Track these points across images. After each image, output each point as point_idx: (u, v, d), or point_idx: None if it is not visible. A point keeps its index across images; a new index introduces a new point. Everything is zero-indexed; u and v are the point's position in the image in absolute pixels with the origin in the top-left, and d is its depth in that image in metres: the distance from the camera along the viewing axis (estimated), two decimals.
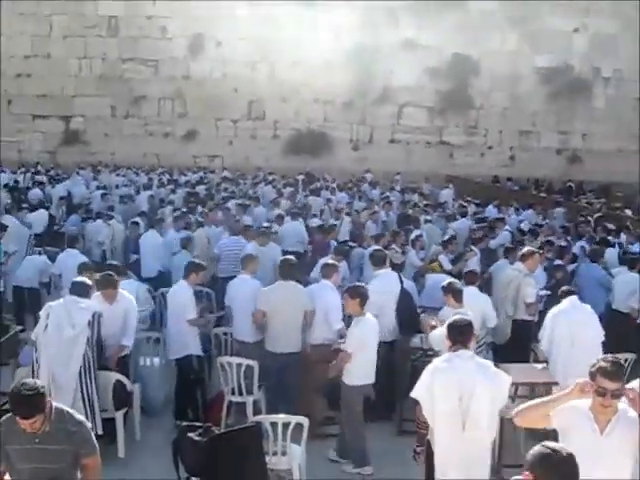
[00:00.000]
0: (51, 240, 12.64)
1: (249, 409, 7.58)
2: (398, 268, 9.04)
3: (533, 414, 4.30)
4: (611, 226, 14.13)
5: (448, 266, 10.62)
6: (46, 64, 30.41)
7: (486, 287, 9.46)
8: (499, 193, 22.84)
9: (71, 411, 4.51)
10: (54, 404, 4.39)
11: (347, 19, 28.73)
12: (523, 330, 8.82)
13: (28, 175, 23.58)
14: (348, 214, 15.58)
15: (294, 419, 6.10)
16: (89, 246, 13.38)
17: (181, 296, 7.99)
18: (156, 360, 8.68)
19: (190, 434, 5.71)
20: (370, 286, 8.27)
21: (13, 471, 4.37)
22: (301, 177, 24.84)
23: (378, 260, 8.77)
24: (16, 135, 30.08)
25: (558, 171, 29.40)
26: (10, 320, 9.72)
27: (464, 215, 15.71)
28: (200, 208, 15.18)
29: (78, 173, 24.03)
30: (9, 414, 4.28)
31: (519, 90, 29.91)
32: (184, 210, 14.41)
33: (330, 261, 8.80)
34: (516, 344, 8.77)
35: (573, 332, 7.35)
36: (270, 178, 24.34)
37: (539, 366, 7.70)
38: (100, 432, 6.49)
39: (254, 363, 7.63)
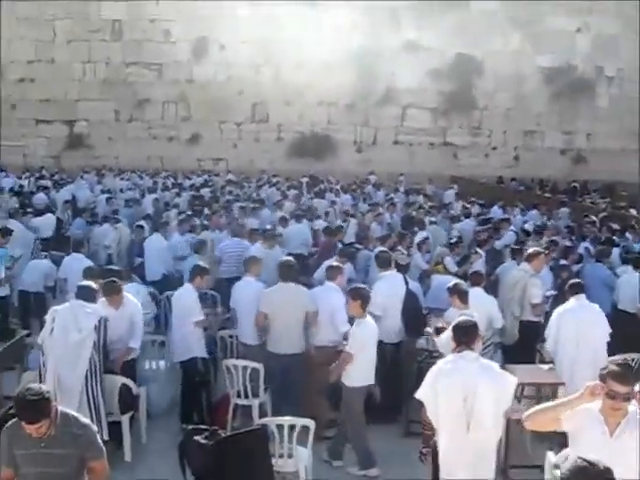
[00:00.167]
0: (56, 244, 12.67)
1: (255, 412, 7.59)
2: (403, 269, 9.03)
3: (543, 418, 4.28)
4: (615, 226, 14.09)
5: (454, 268, 10.60)
6: (50, 69, 30.50)
7: (492, 288, 9.44)
8: (504, 194, 22.79)
9: (76, 415, 4.51)
10: (59, 408, 4.39)
11: (349, 21, 28.76)
12: (530, 331, 8.79)
13: (32, 180, 23.63)
14: (353, 216, 15.59)
15: (300, 421, 6.10)
16: (95, 249, 13.42)
17: (186, 299, 7.99)
18: (161, 363, 8.71)
19: (196, 437, 5.70)
20: (375, 288, 8.30)
21: (19, 475, 4.36)
22: (305, 179, 24.85)
23: (383, 262, 8.77)
24: (20, 140, 30.19)
25: (562, 171, 29.36)
26: (16, 324, 9.76)
27: (468, 216, 15.69)
28: (207, 210, 15.22)
29: (82, 177, 24.09)
30: (15, 419, 4.27)
31: (523, 90, 29.89)
32: (189, 213, 14.43)
33: (335, 263, 8.79)
34: (523, 345, 8.74)
35: (580, 332, 7.32)
36: (274, 181, 24.36)
37: (545, 367, 7.69)
38: (106, 437, 6.49)
39: (260, 366, 7.63)
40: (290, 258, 8.72)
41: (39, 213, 15.10)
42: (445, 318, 7.36)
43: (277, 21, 28.48)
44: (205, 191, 20.75)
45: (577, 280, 8.24)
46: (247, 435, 5.82)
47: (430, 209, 16.97)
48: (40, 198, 18.35)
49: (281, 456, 6.09)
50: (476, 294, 8.00)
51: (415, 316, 8.38)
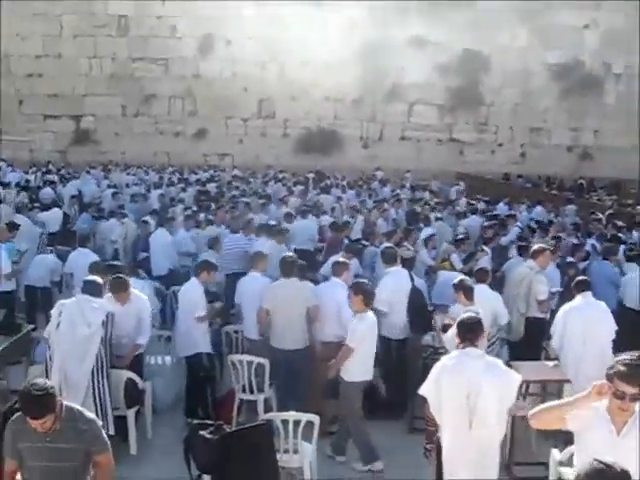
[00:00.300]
0: (63, 239, 12.69)
1: (260, 407, 7.60)
2: (408, 264, 9.01)
3: (548, 417, 4.26)
4: (621, 223, 14.05)
5: (459, 265, 10.58)
6: (57, 64, 30.56)
7: (498, 285, 9.42)
8: (510, 190, 22.74)
9: (81, 409, 4.52)
10: (64, 403, 4.40)
11: (356, 16, 28.71)
12: (535, 328, 8.78)
13: (39, 174, 23.68)
14: (359, 212, 15.58)
15: (305, 417, 6.10)
16: (101, 244, 13.44)
17: (192, 294, 8.00)
18: (167, 358, 8.71)
19: (201, 432, 5.72)
20: (381, 284, 8.30)
21: (24, 469, 4.38)
22: (311, 175, 24.83)
23: (389, 258, 8.77)
24: (27, 135, 30.27)
25: (569, 168, 29.29)
26: (22, 319, 9.78)
27: (474, 212, 15.66)
28: (213, 205, 15.23)
29: (88, 172, 24.11)
30: (20, 413, 4.29)
31: (530, 86, 29.81)
32: (195, 209, 14.43)
33: (341, 259, 8.79)
34: (529, 342, 8.73)
35: (586, 329, 7.30)
36: (280, 176, 24.36)
37: (550, 364, 7.67)
38: (112, 432, 6.51)
39: (265, 361, 7.63)
40: (291, 254, 8.71)
41: (46, 208, 15.14)
42: (450, 314, 7.35)
43: (282, 21, 28.45)
44: (211, 186, 20.77)
45: (584, 277, 8.23)
46: (252, 430, 5.83)
47: (436, 205, 16.94)
48: (47, 193, 18.40)
49: (286, 451, 6.10)
50: (481, 290, 7.99)
51: (420, 313, 8.38)
